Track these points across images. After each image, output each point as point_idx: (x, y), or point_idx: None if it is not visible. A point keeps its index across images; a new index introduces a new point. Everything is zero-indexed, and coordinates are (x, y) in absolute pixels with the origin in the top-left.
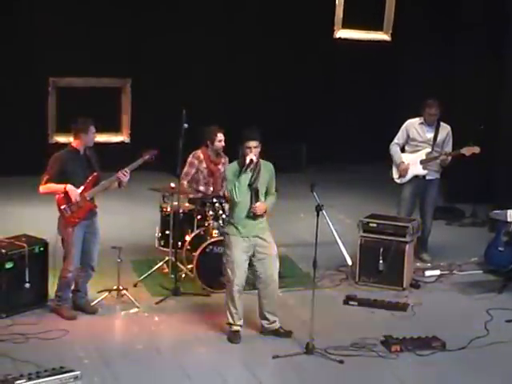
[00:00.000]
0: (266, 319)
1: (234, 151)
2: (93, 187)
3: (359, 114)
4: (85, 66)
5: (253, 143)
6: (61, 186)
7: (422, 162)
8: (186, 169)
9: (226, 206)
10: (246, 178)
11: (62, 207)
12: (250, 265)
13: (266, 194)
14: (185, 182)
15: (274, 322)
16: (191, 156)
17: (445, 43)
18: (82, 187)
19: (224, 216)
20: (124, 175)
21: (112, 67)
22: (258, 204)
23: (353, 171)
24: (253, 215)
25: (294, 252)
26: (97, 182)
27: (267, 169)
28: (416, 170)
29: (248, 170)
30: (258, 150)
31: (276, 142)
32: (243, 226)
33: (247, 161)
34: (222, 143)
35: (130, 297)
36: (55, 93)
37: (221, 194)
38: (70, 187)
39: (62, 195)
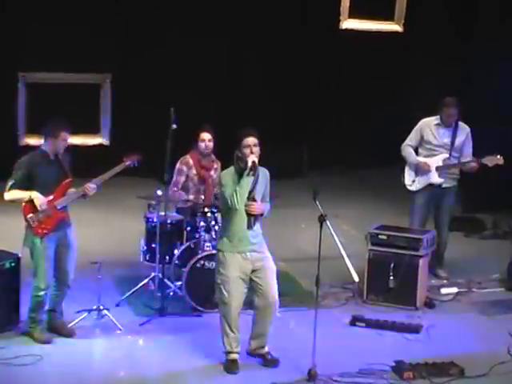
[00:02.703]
0: (257, 340)
1: (228, 155)
2: (65, 195)
3: (367, 113)
4: (59, 60)
5: (252, 140)
6: (26, 194)
7: (438, 169)
8: (174, 178)
9: (220, 216)
10: (247, 183)
11: (29, 216)
12: (248, 283)
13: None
14: (176, 189)
15: (263, 347)
16: (179, 162)
17: (462, 36)
18: (52, 195)
19: (216, 228)
20: (90, 189)
21: (90, 61)
22: (255, 202)
23: (360, 176)
24: (247, 224)
25: (294, 267)
26: (69, 190)
27: (263, 175)
28: (431, 177)
29: (250, 174)
30: (258, 150)
31: (274, 143)
32: (239, 239)
33: (249, 163)
34: (207, 143)
35: (111, 317)
36: (26, 90)
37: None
38: (35, 194)
39: (28, 203)
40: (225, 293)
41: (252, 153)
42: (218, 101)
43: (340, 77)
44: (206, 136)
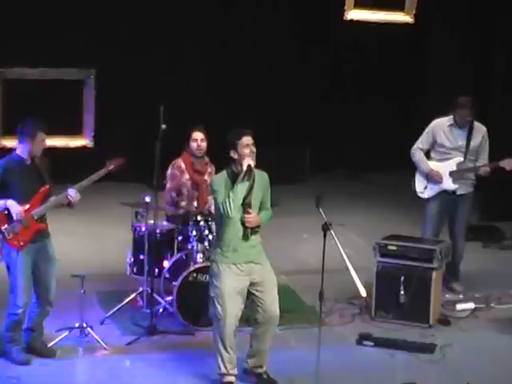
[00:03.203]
0: (256, 358)
1: (224, 159)
2: (42, 203)
3: (375, 112)
4: (38, 54)
5: (248, 139)
6: (0, 202)
7: (452, 174)
8: (168, 184)
9: (214, 225)
10: (242, 189)
11: (3, 228)
12: (245, 297)
13: (260, 210)
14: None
15: (261, 366)
16: (171, 167)
17: (480, 27)
18: (28, 204)
19: (210, 237)
20: (72, 196)
21: (72, 55)
22: (250, 215)
23: (367, 181)
24: (243, 234)
25: (296, 281)
26: (47, 197)
27: (262, 179)
28: (444, 183)
29: (245, 178)
30: (254, 151)
31: (274, 145)
32: (234, 249)
33: (244, 167)
34: (199, 144)
35: (95, 336)
36: (2, 86)
37: (207, 209)
38: (10, 203)
39: (3, 213)
40: (219, 307)
41: (252, 152)
42: (213, 99)
43: (345, 73)
44: (198, 135)
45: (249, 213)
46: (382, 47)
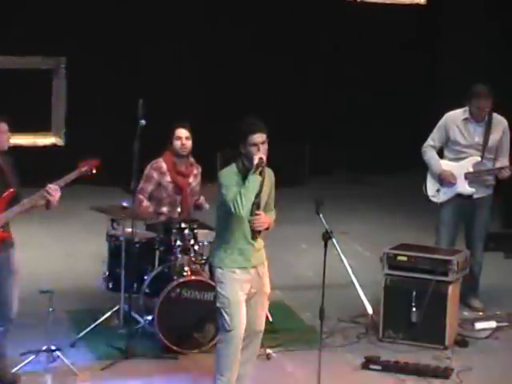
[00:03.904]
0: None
1: (211, 160)
2: (6, 209)
3: (381, 105)
4: (3, 41)
5: (259, 137)
6: None
7: (467, 175)
8: (141, 184)
9: (201, 233)
10: (254, 184)
11: None
12: None
13: (264, 211)
14: (145, 201)
15: None
16: (149, 167)
17: (496, 6)
18: None
19: (196, 247)
20: (52, 192)
21: (40, 42)
22: (260, 215)
23: (372, 184)
24: (251, 235)
25: (292, 297)
26: (12, 202)
27: (269, 177)
28: (459, 186)
29: (257, 172)
30: (266, 147)
31: (269, 144)
32: (240, 252)
33: (256, 160)
34: (184, 142)
35: (65, 360)
36: None
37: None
38: None
39: None
40: (227, 318)
41: (262, 152)
42: (199, 94)
43: (348, 63)
44: (181, 132)
45: (257, 214)
46: (389, 33)
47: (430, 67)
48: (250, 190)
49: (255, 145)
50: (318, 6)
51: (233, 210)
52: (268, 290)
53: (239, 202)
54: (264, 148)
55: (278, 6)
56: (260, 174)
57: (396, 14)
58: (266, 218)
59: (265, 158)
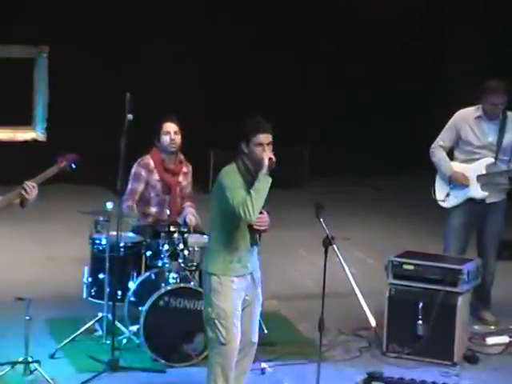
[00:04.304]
0: None
1: (202, 158)
2: None
3: (384, 103)
4: None
5: (266, 137)
6: None
7: (480, 178)
8: (129, 185)
9: (191, 237)
10: (265, 187)
11: None
12: None
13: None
14: (131, 204)
15: None
16: (136, 164)
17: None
18: None
19: (186, 252)
20: (29, 190)
21: (20, 29)
22: (264, 214)
23: (375, 187)
24: (251, 239)
25: (290, 306)
26: None
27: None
28: (471, 190)
29: (267, 173)
30: (271, 148)
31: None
32: (239, 259)
33: (266, 161)
34: (172, 137)
35: (43, 374)
36: None
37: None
38: None
39: None
40: (223, 331)
41: (267, 154)
42: (192, 89)
43: (348, 62)
44: (170, 127)
45: (261, 212)
46: (393, 25)
47: (432, 66)
48: (261, 193)
49: (261, 145)
50: (318, 6)
51: (243, 215)
52: (262, 298)
53: (250, 206)
54: (269, 150)
55: (277, 6)
56: (268, 175)
57: (396, 13)
58: (267, 218)
59: (274, 158)
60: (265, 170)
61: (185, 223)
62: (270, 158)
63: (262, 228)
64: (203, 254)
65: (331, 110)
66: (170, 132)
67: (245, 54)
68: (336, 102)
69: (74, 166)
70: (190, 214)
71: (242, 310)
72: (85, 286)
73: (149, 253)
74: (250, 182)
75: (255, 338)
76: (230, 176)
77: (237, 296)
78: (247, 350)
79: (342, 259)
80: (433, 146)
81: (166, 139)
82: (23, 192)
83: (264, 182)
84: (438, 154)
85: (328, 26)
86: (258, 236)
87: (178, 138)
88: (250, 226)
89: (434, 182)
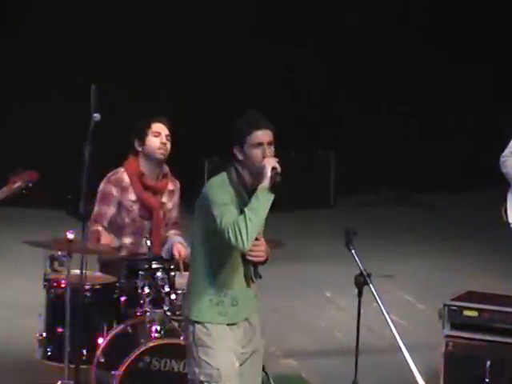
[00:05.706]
0: None
1: (193, 170)
2: None
3: (435, 106)
4: None
5: (264, 134)
6: None
7: None
8: (96, 208)
9: (179, 277)
10: (266, 206)
11: None
12: None
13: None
14: (104, 233)
15: None
16: (105, 181)
17: None
18: None
19: (173, 297)
20: None
21: None
22: (260, 241)
23: (423, 207)
24: (246, 275)
25: (312, 367)
26: None
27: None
28: None
29: (269, 188)
30: (273, 150)
31: (283, 156)
32: (232, 302)
33: (268, 172)
34: (163, 140)
35: None
36: None
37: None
38: None
39: None
40: None
41: (270, 155)
42: (184, 85)
43: (386, 47)
44: (161, 128)
45: (257, 239)
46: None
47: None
48: (259, 213)
49: (259, 145)
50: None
51: (233, 240)
52: (261, 348)
53: (243, 229)
54: (271, 151)
55: (277, 6)
56: (273, 191)
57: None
58: (266, 247)
59: (279, 167)
60: (266, 182)
61: (171, 257)
62: (273, 168)
63: (258, 259)
64: (183, 295)
65: (367, 108)
66: (161, 134)
67: (245, 54)
68: (374, 94)
69: (30, 185)
70: (178, 244)
71: (240, 366)
72: (38, 344)
73: (123, 298)
74: (244, 198)
75: None
76: (219, 189)
77: (233, 349)
78: None
79: (380, 303)
80: (503, 154)
81: (154, 142)
82: None
83: (264, 199)
84: (509, 165)
85: None
86: (253, 269)
87: (168, 145)
88: (244, 256)
89: (506, 200)
